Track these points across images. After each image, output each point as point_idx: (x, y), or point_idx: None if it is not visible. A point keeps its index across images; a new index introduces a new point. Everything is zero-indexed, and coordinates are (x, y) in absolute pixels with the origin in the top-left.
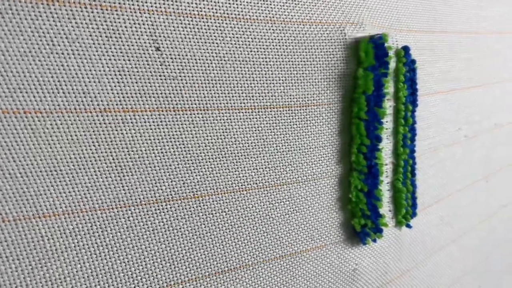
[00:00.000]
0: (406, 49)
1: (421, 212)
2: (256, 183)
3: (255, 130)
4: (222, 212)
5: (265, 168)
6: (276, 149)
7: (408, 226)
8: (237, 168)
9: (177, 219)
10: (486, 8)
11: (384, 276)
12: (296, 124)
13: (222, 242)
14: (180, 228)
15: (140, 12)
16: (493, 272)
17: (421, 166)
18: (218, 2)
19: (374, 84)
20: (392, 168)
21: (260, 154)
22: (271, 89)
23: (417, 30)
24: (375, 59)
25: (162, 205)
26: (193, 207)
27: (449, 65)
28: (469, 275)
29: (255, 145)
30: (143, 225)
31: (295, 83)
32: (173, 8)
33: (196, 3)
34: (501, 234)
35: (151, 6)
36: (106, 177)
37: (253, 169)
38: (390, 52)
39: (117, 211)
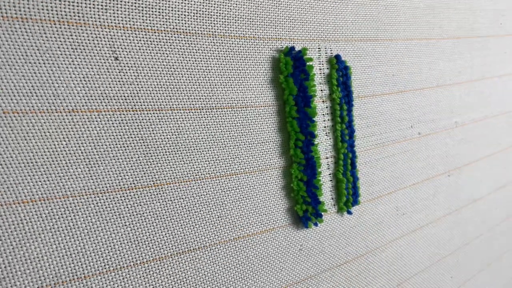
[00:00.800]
0: (337, 57)
1: (371, 202)
2: (209, 173)
3: (205, 128)
4: (180, 199)
5: (215, 160)
6: (224, 144)
7: (349, 212)
8: (191, 160)
9: (140, 205)
10: (440, 16)
11: (333, 259)
12: (239, 123)
13: (181, 225)
14: (143, 213)
15: (101, 28)
16: (466, 264)
17: (368, 160)
18: (169, 19)
19: (297, 88)
20: (334, 161)
21: (210, 148)
22: (215, 93)
23: (357, 39)
24: (293, 68)
25: (126, 193)
26: (154, 194)
27: (395, 69)
28: (438, 264)
29: (205, 141)
30: (110, 210)
31: (235, 87)
32: (130, 24)
33: (149, 20)
34: (473, 228)
35: (111, 22)
36: (76, 168)
37: (205, 161)
38: (310, 62)
39: (87, 198)
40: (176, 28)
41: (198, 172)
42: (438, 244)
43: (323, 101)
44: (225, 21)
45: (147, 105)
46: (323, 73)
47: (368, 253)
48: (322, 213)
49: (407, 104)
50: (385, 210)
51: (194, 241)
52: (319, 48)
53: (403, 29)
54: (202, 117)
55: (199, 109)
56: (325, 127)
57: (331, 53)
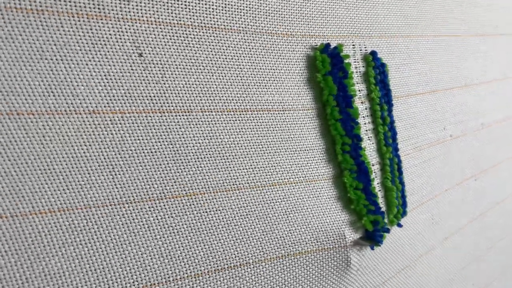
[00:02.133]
0: (373, 53)
1: (412, 212)
2: (248, 183)
3: (241, 131)
4: (216, 210)
5: (254, 168)
6: (263, 150)
7: (399, 225)
8: (225, 168)
9: (172, 217)
10: (467, 12)
11: (379, 276)
12: (278, 126)
13: (220, 239)
14: (175, 225)
15: (123, 21)
16: (487, 270)
17: (407, 165)
18: (196, 13)
19: (337, 86)
20: (379, 168)
21: (247, 155)
22: (249, 93)
23: (390, 36)
24: (331, 66)
25: (155, 203)
26: (187, 205)
27: (427, 67)
28: (463, 273)
29: (241, 146)
30: (138, 222)
31: (269, 88)
32: (154, 18)
33: (175, 13)
34: (495, 231)
35: (134, 15)
36: (98, 176)
37: (242, 169)
38: (347, 59)
39: (112, 208)
40: (205, 23)
41: (236, 181)
42: (464, 251)
43: (361, 102)
44: (256, 17)
45: (176, 106)
46: (359, 71)
47: (406, 268)
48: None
49: (439, 105)
50: (422, 219)
51: (235, 257)
52: (353, 45)
53: (433, 25)
54: (236, 120)
55: (233, 111)
56: (366, 130)
57: (366, 50)
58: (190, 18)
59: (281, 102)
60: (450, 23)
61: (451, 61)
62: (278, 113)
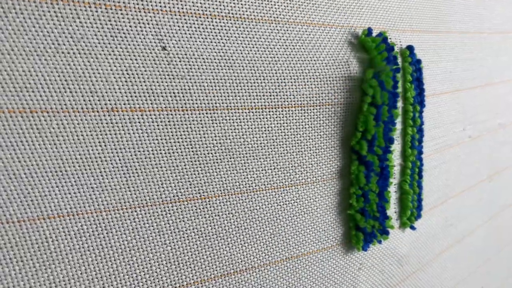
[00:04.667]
0: (410, 48)
1: (426, 214)
2: (264, 184)
3: (265, 130)
4: (229, 213)
5: (274, 169)
6: (286, 149)
7: (412, 228)
8: (245, 169)
9: (183, 221)
10: (490, 9)
11: (391, 279)
12: (305, 124)
13: (229, 243)
14: (186, 230)
15: (144, 12)
16: (496, 273)
17: (427, 167)
18: (223, 2)
19: (392, 82)
20: (400, 170)
21: (268, 155)
22: (279, 89)
23: (421, 30)
24: (388, 54)
25: (168, 207)
26: (200, 208)
27: (452, 65)
28: (473, 275)
29: (263, 146)
30: (149, 226)
31: (302, 82)
32: (177, 8)
33: (200, 3)
34: (505, 234)
35: (156, 6)
36: (112, 178)
37: (262, 170)
38: (395, 47)
39: (123, 213)
40: (233, 13)
41: (251, 183)
42: (476, 254)
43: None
44: (288, 6)
45: (200, 103)
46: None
47: (419, 270)
48: (389, 230)
49: (461, 105)
50: (436, 221)
51: (242, 261)
52: (390, 39)
53: (459, 20)
54: (262, 118)
55: (261, 109)
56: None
57: (401, 44)
58: (217, 8)
59: (313, 98)
60: (474, 19)
61: (474, 59)
62: (310, 109)
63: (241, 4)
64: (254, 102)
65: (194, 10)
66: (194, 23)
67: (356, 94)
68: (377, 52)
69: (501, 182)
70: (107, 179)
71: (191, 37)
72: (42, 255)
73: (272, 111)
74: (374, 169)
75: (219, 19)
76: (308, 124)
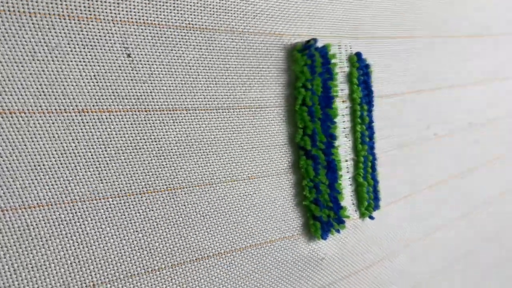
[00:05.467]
0: (358, 55)
1: (389, 206)
2: (225, 177)
3: (221, 129)
4: (194, 203)
5: (231, 164)
6: (241, 146)
7: (371, 217)
8: (206, 163)
9: (153, 210)
10: (458, 13)
11: (351, 266)
12: (258, 124)
13: (195, 232)
14: (155, 219)
15: (113, 23)
16: (475, 269)
17: (388, 162)
18: (184, 14)
19: (322, 87)
20: (353, 164)
21: (226, 151)
22: (230, 92)
23: (376, 37)
24: (322, 66)
25: (138, 197)
26: (167, 199)
27: (415, 67)
28: (450, 269)
29: (221, 143)
30: (121, 215)
31: (252, 87)
32: (143, 19)
33: (164, 15)
34: (484, 231)
35: (123, 17)
36: (85, 172)
37: (221, 165)
38: (333, 59)
39: (96, 203)
40: (192, 24)
41: (212, 176)
42: (450, 248)
43: (343, 101)
44: (242, 17)
45: (161, 105)
46: (343, 71)
47: (384, 259)
48: (345, 219)
49: (424, 104)
50: (401, 214)
51: (208, 248)
52: (339, 46)
53: (421, 26)
54: (217, 118)
55: (216, 110)
56: (344, 128)
57: (351, 50)
58: (178, 19)
59: (262, 100)
60: (440, 24)
61: (438, 62)
62: (260, 111)
63: (200, 15)
64: (209, 104)
65: (157, 21)
66: (157, 33)
67: (293, 98)
68: (304, 64)
69: (475, 180)
70: (81, 172)
71: (153, 46)
72: (24, 241)
73: (225, 112)
74: (321, 162)
75: (180, 29)
76: (257, 124)
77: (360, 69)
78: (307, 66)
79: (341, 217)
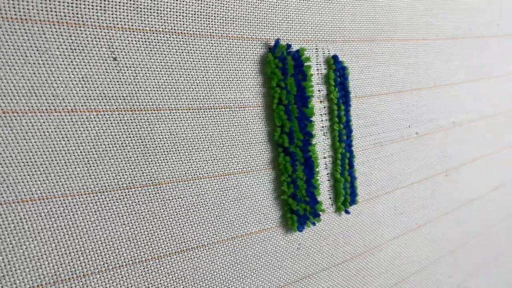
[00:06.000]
0: (335, 57)
1: (369, 202)
2: (206, 173)
3: (202, 128)
4: (178, 198)
5: (213, 160)
6: (221, 144)
7: (347, 212)
8: (188, 160)
9: (139, 204)
10: (437, 16)
11: (331, 258)
12: (237, 123)
13: (179, 224)
14: (142, 212)
15: (100, 28)
16: (464, 264)
17: (366, 159)
18: (167, 20)
19: (296, 87)
20: (331, 161)
21: (208, 148)
22: (213, 93)
23: (353, 40)
24: (294, 68)
25: (125, 192)
26: (152, 194)
27: (392, 69)
28: (437, 265)
29: (203, 141)
30: (109, 209)
31: (232, 88)
32: (128, 25)
33: (148, 21)
34: (470, 227)
35: (110, 23)
36: (75, 168)
37: (203, 161)
38: (307, 62)
39: (86, 197)
40: (174, 29)
41: (195, 172)
42: (435, 244)
43: (320, 101)
44: (222, 22)
45: (145, 105)
46: (321, 73)
47: (366, 252)
48: (320, 213)
49: (404, 104)
50: (383, 209)
51: (192, 240)
52: (316, 49)
53: (401, 29)
54: (199, 117)
55: (197, 109)
56: (322, 127)
57: (329, 53)
58: (162, 25)
59: (242, 100)
60: (420, 27)
61: (419, 63)
62: (239, 110)
63: (182, 21)
64: (191, 104)
65: (142, 26)
66: (141, 38)
67: (271, 97)
68: (275, 67)
69: (460, 177)
70: (71, 168)
71: (138, 49)
72: (18, 233)
73: (206, 112)
74: (298, 159)
75: (162, 34)
76: (237, 123)
77: (337, 71)
78: (279, 69)
79: (317, 210)
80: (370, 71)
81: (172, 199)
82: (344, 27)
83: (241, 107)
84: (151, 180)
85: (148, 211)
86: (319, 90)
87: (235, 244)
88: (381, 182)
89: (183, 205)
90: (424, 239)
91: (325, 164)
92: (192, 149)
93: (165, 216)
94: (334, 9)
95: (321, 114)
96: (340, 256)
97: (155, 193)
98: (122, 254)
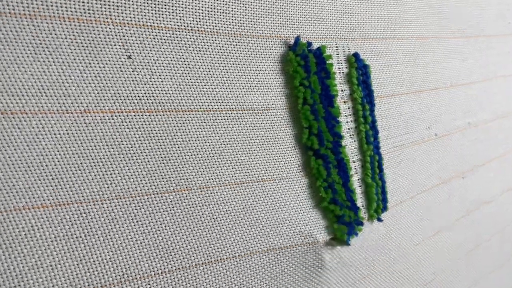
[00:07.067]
0: (356, 55)
1: (395, 208)
2: (234, 179)
3: (223, 131)
4: (203, 205)
5: (241, 165)
6: (248, 148)
7: (379, 220)
8: (211, 165)
9: (160, 212)
10: (450, 14)
11: (365, 269)
12: (263, 126)
13: (206, 234)
14: (163, 220)
15: (113, 25)
16: (477, 266)
17: (390, 163)
18: (183, 16)
19: (320, 86)
20: (360, 165)
21: (232, 152)
22: (232, 94)
23: (373, 38)
24: (316, 66)
25: (144, 199)
26: (174, 201)
27: (411, 68)
28: (452, 268)
29: (226, 144)
30: (127, 216)
31: (252, 89)
32: (142, 22)
33: (163, 17)
34: (485, 230)
35: (123, 20)
36: (89, 173)
37: (227, 167)
38: (329, 60)
39: (102, 204)
40: (191, 26)
41: (222, 178)
42: (452, 248)
43: (344, 102)
44: (240, 20)
45: (163, 106)
46: (342, 72)
47: (394, 262)
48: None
49: (423, 105)
50: (407, 215)
51: (219, 251)
52: (336, 47)
53: (416, 27)
54: (221, 119)
55: (218, 111)
56: (349, 128)
57: (349, 51)
58: (177, 22)
59: (264, 102)
60: (434, 25)
61: (436, 62)
62: (261, 112)
63: (199, 18)
64: (211, 105)
65: (157, 23)
66: (156, 35)
67: (294, 98)
68: (297, 65)
69: (475, 179)
70: (85, 173)
71: (153, 47)
72: (30, 242)
73: (228, 113)
74: (331, 161)
75: (179, 31)
76: (261, 126)
77: (359, 69)
78: (301, 67)
79: (359, 218)
80: (389, 70)
81: (196, 207)
82: (363, 24)
83: (263, 109)
84: (172, 187)
85: (170, 219)
86: (342, 90)
87: (265, 258)
88: (404, 187)
89: (208, 213)
90: (443, 244)
91: (355, 168)
92: (215, 153)
93: (189, 225)
94: (352, 6)
95: (346, 115)
96: (368, 269)
97: (177, 200)
98: (141, 265)
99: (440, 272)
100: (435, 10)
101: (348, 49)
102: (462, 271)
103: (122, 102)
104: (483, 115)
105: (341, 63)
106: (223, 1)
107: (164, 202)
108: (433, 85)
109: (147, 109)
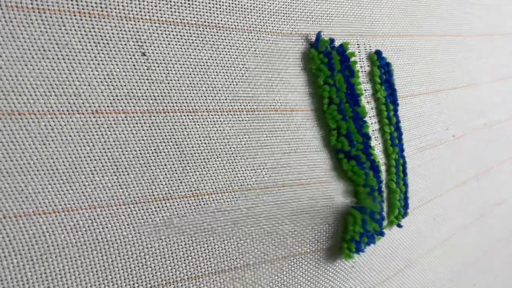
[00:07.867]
0: (378, 53)
1: (413, 212)
2: (256, 184)
3: (245, 132)
4: (223, 211)
5: (260, 169)
6: (267, 151)
7: (399, 225)
8: (232, 168)
9: (178, 217)
10: (470, 12)
11: (378, 275)
12: (284, 128)
13: (223, 240)
14: (181, 226)
15: (126, 20)
16: (488, 271)
17: (410, 166)
18: (200, 12)
19: (345, 84)
20: (385, 169)
21: (253, 155)
22: (253, 93)
23: (393, 35)
24: (340, 64)
25: (162, 203)
26: (193, 206)
27: (430, 67)
28: (464, 273)
29: (247, 147)
30: (143, 222)
31: (273, 88)
32: (157, 16)
33: (178, 12)
34: (496, 232)
35: (137, 14)
36: (102, 176)
37: (249, 170)
38: (352, 57)
39: (117, 209)
40: (209, 22)
41: (243, 182)
42: (465, 252)
43: (367, 102)
44: (260, 16)
45: (180, 106)
46: (364, 70)
47: (407, 267)
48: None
49: (442, 105)
50: (423, 220)
51: (237, 258)
52: (358, 44)
53: (436, 24)
54: (242, 120)
55: (239, 111)
56: (373, 130)
57: (370, 49)
58: (194, 17)
59: (288, 103)
60: (454, 23)
61: (454, 61)
62: (285, 114)
63: (216, 13)
64: (231, 105)
65: (172, 18)
66: (172, 31)
67: (319, 98)
68: (321, 62)
69: (488, 181)
70: (98, 177)
71: (169, 44)
72: (40, 249)
73: (249, 114)
74: (364, 162)
75: (196, 27)
76: (286, 127)
77: (381, 67)
78: (324, 64)
79: (382, 229)
80: (410, 69)
81: (216, 212)
82: (383, 21)
83: (287, 110)
84: (190, 191)
85: (188, 225)
86: (364, 90)
87: (285, 264)
88: (424, 191)
89: (229, 219)
90: (457, 248)
91: (381, 171)
92: (236, 156)
93: (207, 231)
94: (372, 2)
95: (369, 116)
96: (385, 273)
97: (197, 205)
98: (157, 273)
99: (450, 279)
100: (455, 7)
101: (370, 46)
102: (472, 277)
103: (136, 102)
104: (498, 116)
105: (362, 61)
106: None
107: (182, 207)
108: (451, 84)
109: (163, 109)
